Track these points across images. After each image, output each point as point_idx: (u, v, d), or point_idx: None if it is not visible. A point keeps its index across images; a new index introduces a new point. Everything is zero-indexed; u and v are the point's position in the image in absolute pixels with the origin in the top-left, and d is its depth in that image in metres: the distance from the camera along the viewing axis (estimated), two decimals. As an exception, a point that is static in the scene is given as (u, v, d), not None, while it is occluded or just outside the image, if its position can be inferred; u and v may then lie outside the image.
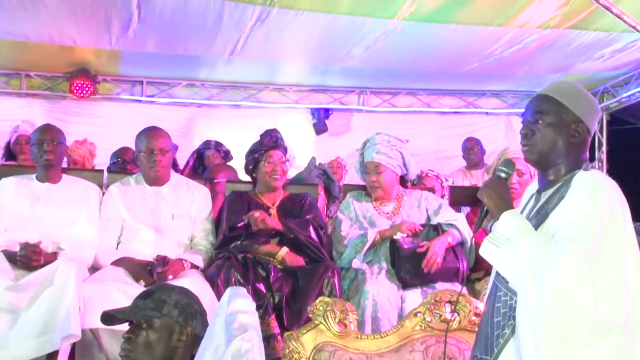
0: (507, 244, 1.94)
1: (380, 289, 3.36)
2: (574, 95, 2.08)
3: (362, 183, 3.98)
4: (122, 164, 4.88)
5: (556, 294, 1.81)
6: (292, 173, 5.03)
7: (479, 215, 2.12)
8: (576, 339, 1.80)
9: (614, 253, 1.86)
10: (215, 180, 4.53)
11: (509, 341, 1.95)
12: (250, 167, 3.81)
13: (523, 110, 2.17)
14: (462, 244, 3.59)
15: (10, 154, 5.43)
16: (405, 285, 3.45)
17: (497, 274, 2.06)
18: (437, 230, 3.61)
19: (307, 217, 3.67)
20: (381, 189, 3.73)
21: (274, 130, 3.89)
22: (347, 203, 3.84)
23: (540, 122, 2.06)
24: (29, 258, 3.18)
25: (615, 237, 1.87)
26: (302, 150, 6.41)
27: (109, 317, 2.19)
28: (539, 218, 2.01)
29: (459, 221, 3.64)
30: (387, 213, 3.76)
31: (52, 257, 3.24)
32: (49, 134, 3.52)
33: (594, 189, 1.94)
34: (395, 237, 3.55)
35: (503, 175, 2.12)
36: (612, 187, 1.98)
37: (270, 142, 3.78)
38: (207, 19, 4.99)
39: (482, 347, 2.04)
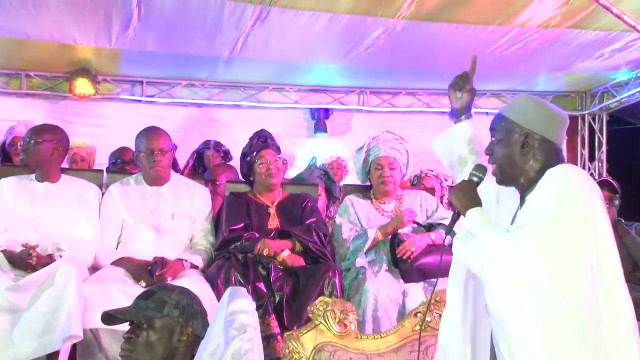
0: (470, 238, 2.01)
1: (380, 287, 3.36)
2: (523, 108, 2.14)
3: (361, 184, 3.99)
4: (121, 164, 4.88)
5: (512, 279, 1.87)
6: (293, 173, 5.03)
7: (451, 218, 2.19)
8: (536, 320, 1.85)
9: (571, 234, 1.89)
10: (217, 182, 4.53)
11: None
12: (245, 170, 3.81)
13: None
14: None
15: (5, 155, 5.42)
16: (405, 278, 3.46)
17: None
18: (430, 230, 3.66)
19: (309, 221, 3.67)
20: (393, 184, 3.73)
21: (262, 130, 3.90)
22: (346, 206, 3.83)
23: (493, 140, 2.15)
24: (24, 259, 3.18)
25: (572, 220, 1.90)
26: (302, 150, 6.41)
27: (109, 317, 2.19)
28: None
29: (447, 219, 3.65)
30: (389, 212, 3.77)
31: (47, 259, 3.22)
32: (26, 135, 3.52)
33: (554, 178, 1.99)
34: (400, 231, 3.57)
35: (475, 179, 2.18)
36: (576, 174, 2.02)
37: (259, 142, 3.78)
38: (207, 18, 4.99)
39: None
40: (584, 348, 1.85)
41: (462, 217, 2.12)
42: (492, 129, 2.16)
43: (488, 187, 2.24)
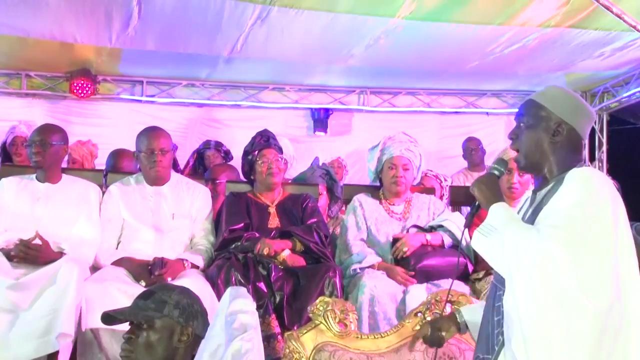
0: (494, 233, 1.97)
1: (377, 283, 3.35)
2: (555, 97, 2.12)
3: (362, 183, 3.98)
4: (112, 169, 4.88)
5: (539, 279, 1.84)
6: (294, 173, 5.04)
7: (470, 210, 2.17)
8: (560, 323, 1.82)
9: (600, 241, 1.87)
10: (218, 181, 4.53)
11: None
12: (246, 169, 3.81)
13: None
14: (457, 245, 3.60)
15: (6, 154, 5.42)
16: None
17: (496, 273, 2.07)
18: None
19: (310, 222, 3.67)
20: (405, 186, 3.73)
21: (265, 130, 3.91)
22: (354, 207, 3.79)
23: (521, 125, 2.12)
24: (28, 255, 3.18)
25: (601, 226, 1.89)
26: (302, 150, 6.41)
27: (109, 317, 2.18)
28: (533, 215, 2.04)
29: (447, 221, 3.66)
30: (398, 214, 3.76)
31: (56, 255, 3.23)
32: (39, 136, 3.50)
33: (581, 182, 1.96)
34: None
35: (496, 172, 2.16)
36: (602, 180, 2.00)
37: (261, 141, 3.78)
38: (207, 17, 4.99)
39: (484, 347, 2.05)
40: (606, 356, 1.83)
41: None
42: (521, 114, 2.12)
43: None
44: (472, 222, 2.20)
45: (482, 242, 2.01)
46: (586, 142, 2.15)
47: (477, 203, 2.11)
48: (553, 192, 2.01)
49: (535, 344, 1.84)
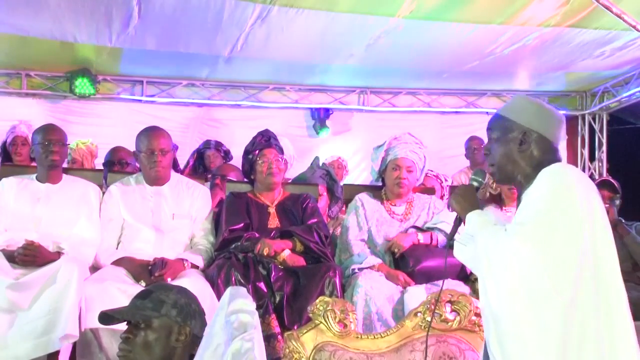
0: (471, 240, 2.04)
1: (373, 284, 3.35)
2: (519, 107, 2.17)
3: (362, 183, 3.98)
4: (111, 164, 4.90)
5: (508, 275, 1.89)
6: (295, 173, 5.04)
7: (453, 224, 2.22)
8: (529, 316, 1.87)
9: (565, 232, 1.90)
10: (227, 177, 4.53)
11: None
12: (247, 168, 3.81)
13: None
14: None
15: (6, 154, 5.42)
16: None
17: None
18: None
19: (310, 222, 3.67)
20: (407, 187, 3.73)
21: (266, 130, 3.90)
22: (356, 206, 3.77)
23: (491, 139, 2.17)
24: (27, 256, 3.18)
25: (567, 217, 1.91)
26: (302, 150, 6.41)
27: (107, 317, 2.18)
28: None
29: (443, 223, 3.66)
30: (399, 215, 3.76)
31: (54, 256, 3.23)
32: (56, 135, 3.52)
33: (549, 176, 2.00)
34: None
35: (475, 184, 2.22)
36: (571, 173, 2.03)
37: (262, 141, 3.78)
38: (208, 16, 5.00)
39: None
40: (578, 346, 1.85)
41: (462, 222, 2.16)
42: (489, 129, 2.18)
43: None
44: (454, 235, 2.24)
45: (460, 250, 2.09)
46: (559, 144, 2.16)
47: (458, 216, 2.18)
48: (524, 192, 2.07)
49: (508, 339, 1.89)
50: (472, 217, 2.08)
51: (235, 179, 4.49)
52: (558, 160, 2.12)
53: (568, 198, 1.94)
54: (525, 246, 1.88)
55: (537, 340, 1.85)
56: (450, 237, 2.21)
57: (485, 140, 2.23)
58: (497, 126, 2.15)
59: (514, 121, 2.11)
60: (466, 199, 2.14)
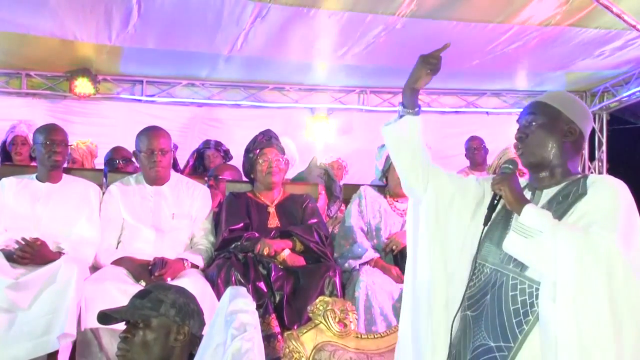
0: (538, 234, 1.95)
1: (374, 279, 3.37)
2: (565, 99, 2.18)
3: (362, 183, 3.99)
4: (114, 163, 4.90)
5: (605, 278, 1.85)
6: (293, 172, 5.04)
7: (489, 206, 2.13)
8: (628, 324, 1.84)
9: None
10: (220, 177, 4.53)
11: (534, 327, 1.96)
12: (247, 167, 3.81)
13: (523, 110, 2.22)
14: None
15: (5, 154, 5.42)
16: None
17: (504, 264, 2.06)
18: None
19: (310, 222, 3.67)
20: None
21: (268, 130, 3.91)
22: (360, 195, 3.82)
23: (533, 124, 2.14)
24: (25, 253, 3.18)
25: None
26: (302, 150, 6.40)
27: (106, 317, 2.18)
28: (553, 214, 2.03)
29: None
30: (401, 211, 3.77)
31: (54, 255, 3.23)
32: (59, 135, 3.53)
33: (615, 188, 2.01)
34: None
35: (509, 172, 2.15)
36: (626, 187, 2.05)
37: (263, 140, 3.78)
38: (207, 14, 5.00)
39: (497, 335, 2.02)
40: None
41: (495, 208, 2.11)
42: (532, 113, 2.15)
43: (481, 183, 2.25)
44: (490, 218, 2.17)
45: (521, 243, 1.98)
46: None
47: (496, 201, 2.10)
48: (570, 193, 2.04)
49: (596, 349, 1.83)
50: (534, 209, 1.99)
51: (230, 178, 4.49)
52: (578, 162, 2.15)
53: (636, 214, 1.97)
54: (618, 251, 1.86)
55: (617, 351, 1.83)
56: (486, 222, 2.12)
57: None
58: (544, 113, 2.13)
59: (562, 112, 2.12)
60: (517, 187, 2.09)
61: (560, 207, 2.04)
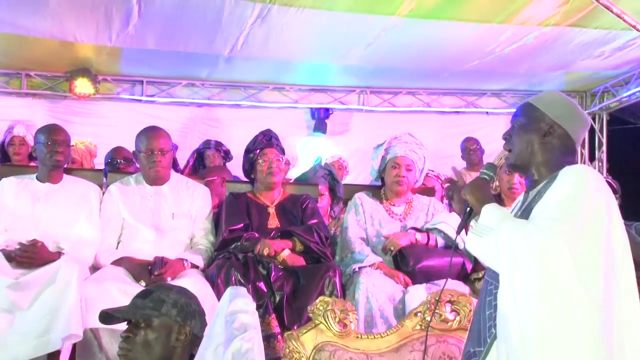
0: (488, 232, 2.00)
1: (375, 282, 3.36)
2: (551, 100, 2.19)
3: (362, 183, 3.98)
4: (115, 163, 4.89)
5: (539, 272, 1.86)
6: (296, 173, 5.04)
7: (463, 214, 2.17)
8: (561, 316, 1.83)
9: (596, 236, 1.90)
10: (207, 179, 4.53)
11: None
12: (247, 167, 3.82)
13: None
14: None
15: (4, 154, 5.42)
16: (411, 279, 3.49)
17: (489, 269, 2.09)
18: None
19: (310, 222, 3.67)
20: (406, 186, 3.73)
21: (268, 130, 3.91)
22: (355, 204, 3.79)
23: (515, 125, 2.18)
24: (25, 256, 3.18)
25: (598, 221, 1.92)
26: (302, 150, 6.42)
27: (107, 317, 2.18)
28: (524, 214, 2.07)
29: (442, 223, 3.66)
30: (398, 214, 3.76)
31: (54, 256, 3.23)
32: (61, 136, 3.54)
33: (577, 176, 2.00)
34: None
35: (486, 177, 2.19)
36: (596, 176, 2.05)
37: (264, 140, 3.78)
38: (207, 15, 5.00)
39: (475, 340, 2.07)
40: (604, 348, 1.84)
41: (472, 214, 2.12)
42: (516, 115, 2.18)
43: None
44: (466, 227, 2.20)
45: (476, 242, 2.05)
46: (579, 147, 2.18)
47: (469, 208, 2.14)
48: (545, 189, 2.04)
49: (533, 338, 1.85)
50: (491, 209, 2.05)
51: (216, 178, 4.49)
52: (575, 161, 2.14)
53: (597, 201, 1.94)
54: (557, 243, 1.85)
55: (567, 342, 1.83)
56: (460, 229, 2.18)
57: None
58: (525, 114, 2.16)
59: (543, 112, 2.13)
60: (480, 190, 2.12)
61: (533, 204, 2.05)
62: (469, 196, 2.12)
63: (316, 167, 5.09)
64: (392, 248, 3.56)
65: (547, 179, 2.07)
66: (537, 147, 2.12)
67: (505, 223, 1.97)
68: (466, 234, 2.15)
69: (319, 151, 6.37)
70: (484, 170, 2.20)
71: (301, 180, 4.67)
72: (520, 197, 2.23)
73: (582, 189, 1.95)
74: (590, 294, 1.84)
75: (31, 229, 3.36)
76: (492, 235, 1.98)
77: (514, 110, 2.26)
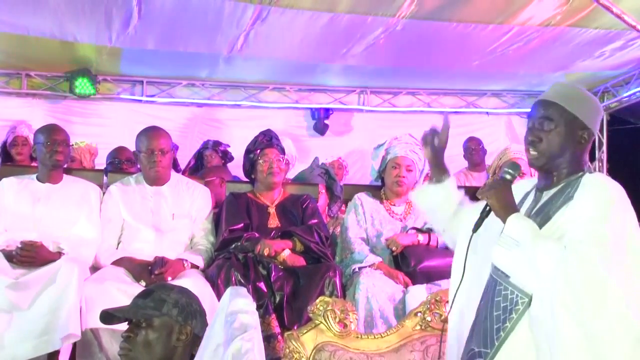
0: (516, 246, 1.95)
1: (375, 282, 3.36)
2: (579, 101, 2.13)
3: (362, 183, 3.98)
4: (118, 163, 4.90)
5: (588, 301, 1.84)
6: (294, 172, 5.04)
7: (480, 215, 2.12)
8: (611, 342, 1.83)
9: (633, 255, 1.90)
10: (206, 180, 4.54)
11: (510, 334, 1.97)
12: (247, 167, 3.82)
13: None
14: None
15: (6, 154, 5.43)
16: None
17: (495, 269, 2.07)
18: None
19: (310, 222, 3.67)
20: (406, 187, 3.73)
21: (268, 130, 3.92)
22: (355, 205, 3.79)
23: (547, 129, 2.10)
24: (25, 256, 3.18)
25: (633, 239, 1.92)
26: (302, 150, 6.41)
27: (108, 316, 2.19)
28: (542, 217, 2.04)
29: None
30: (398, 214, 3.76)
31: (54, 256, 3.23)
32: (61, 135, 3.54)
33: (602, 192, 1.98)
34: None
35: (509, 177, 2.13)
36: (618, 190, 2.02)
37: (264, 140, 3.78)
38: (208, 16, 5.00)
39: (481, 340, 2.05)
40: None
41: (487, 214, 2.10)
42: (547, 117, 2.10)
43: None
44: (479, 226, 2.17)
45: (503, 255, 2.00)
46: None
47: (487, 208, 2.09)
48: (566, 195, 2.03)
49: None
50: (518, 221, 1.99)
51: (214, 177, 4.50)
52: (587, 159, 2.15)
53: (624, 220, 1.94)
54: (601, 270, 1.84)
55: None
56: (475, 229, 2.12)
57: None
58: (563, 120, 2.09)
59: (577, 117, 2.09)
60: (505, 196, 2.07)
61: (551, 209, 2.03)
62: (494, 200, 2.06)
63: (312, 166, 5.10)
64: (394, 248, 3.56)
65: (564, 182, 2.07)
66: (570, 152, 2.09)
67: (536, 241, 1.93)
68: (476, 230, 2.12)
69: (317, 151, 6.36)
70: (508, 170, 2.14)
71: (298, 180, 4.67)
72: (526, 191, 2.19)
73: (607, 208, 1.93)
74: (637, 318, 1.84)
75: (31, 229, 3.36)
76: (521, 251, 1.95)
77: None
